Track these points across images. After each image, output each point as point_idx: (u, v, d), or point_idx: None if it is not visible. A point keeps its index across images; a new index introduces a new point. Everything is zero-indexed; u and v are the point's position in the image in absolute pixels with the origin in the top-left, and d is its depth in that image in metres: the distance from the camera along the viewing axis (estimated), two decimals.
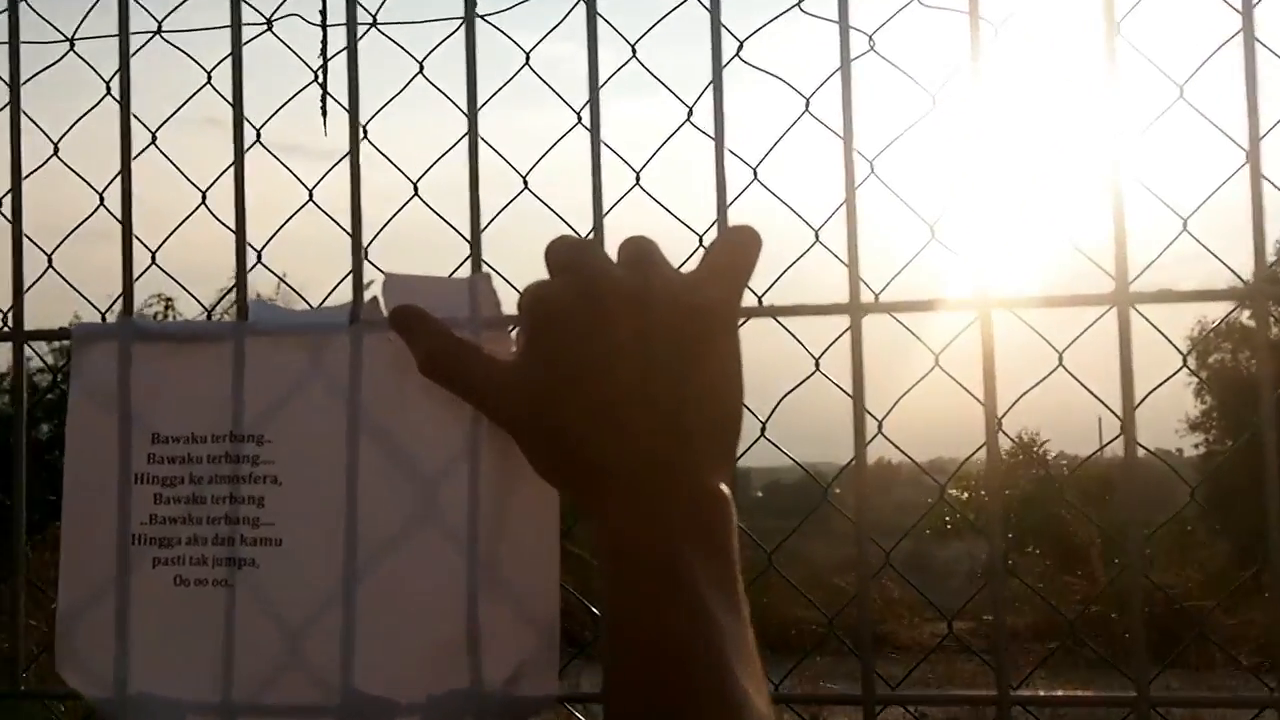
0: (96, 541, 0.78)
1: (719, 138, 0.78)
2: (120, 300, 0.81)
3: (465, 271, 0.79)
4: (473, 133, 0.79)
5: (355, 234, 0.79)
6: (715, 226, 0.78)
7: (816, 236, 1.10)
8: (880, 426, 1.11)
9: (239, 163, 0.82)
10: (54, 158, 0.98)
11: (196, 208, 1.00)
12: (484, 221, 0.81)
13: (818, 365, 1.07)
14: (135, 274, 0.83)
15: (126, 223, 0.81)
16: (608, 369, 0.67)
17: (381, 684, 0.75)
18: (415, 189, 1.01)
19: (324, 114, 1.19)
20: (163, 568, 0.78)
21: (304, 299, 0.84)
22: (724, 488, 0.67)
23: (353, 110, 0.79)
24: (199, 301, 1.00)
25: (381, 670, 0.75)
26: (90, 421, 0.78)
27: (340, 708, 0.75)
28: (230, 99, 0.81)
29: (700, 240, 1.05)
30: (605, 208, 0.80)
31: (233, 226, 0.82)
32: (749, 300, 0.80)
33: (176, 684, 0.77)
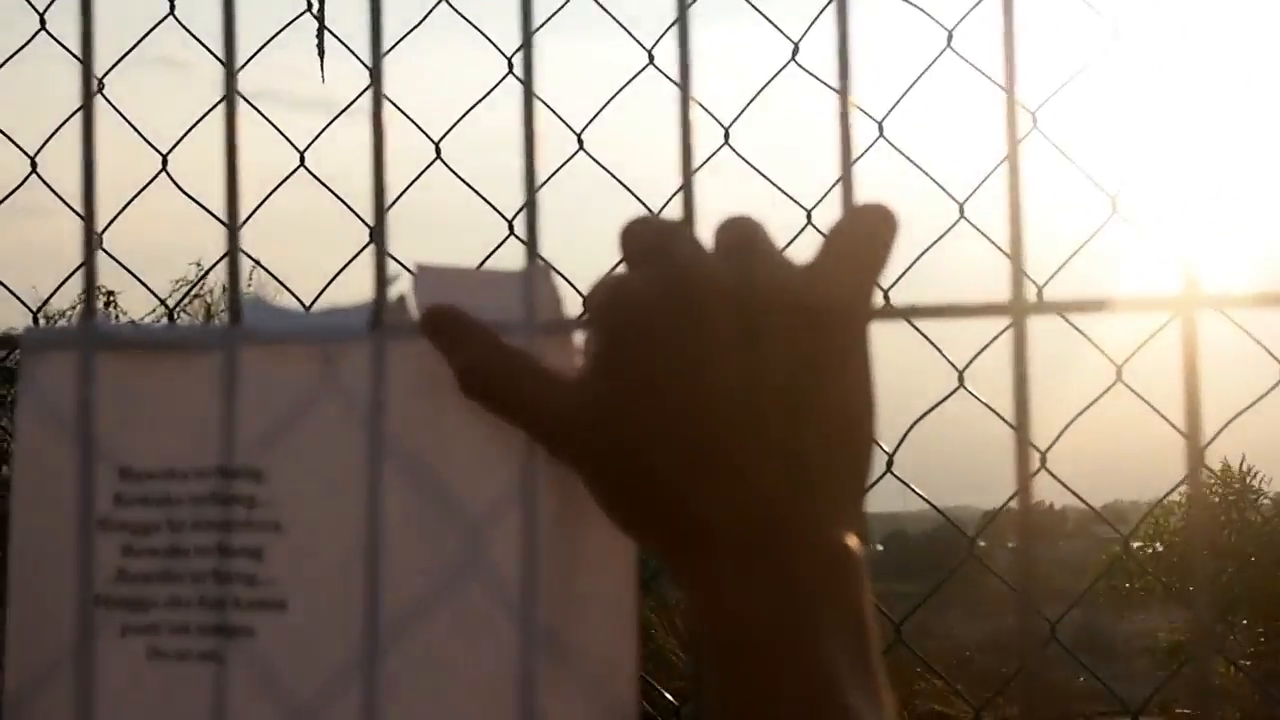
0: (52, 604, 0.81)
1: (843, 83, 0.80)
2: (66, 292, 0.84)
3: (513, 262, 0.81)
4: (528, 73, 0.81)
5: (378, 210, 0.82)
6: (835, 203, 0.80)
7: (961, 212, 1.12)
8: (1044, 460, 1.13)
9: (230, 115, 0.84)
10: None
11: (156, 175, 1.03)
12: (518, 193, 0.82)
13: (961, 380, 1.10)
14: (78, 259, 0.86)
15: (89, 189, 0.84)
16: (702, 389, 0.69)
17: None
18: (437, 150, 1.04)
19: (320, 52, 1.22)
20: (135, 637, 0.80)
21: (292, 294, 0.87)
22: (854, 542, 0.70)
23: (375, 43, 0.81)
24: (156, 296, 1.04)
25: None
26: (43, 453, 0.81)
27: None
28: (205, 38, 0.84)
29: (809, 218, 1.08)
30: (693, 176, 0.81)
31: (199, 199, 0.85)
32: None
33: None
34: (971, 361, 1.05)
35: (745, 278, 0.71)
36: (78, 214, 0.84)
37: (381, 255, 0.82)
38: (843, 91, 0.79)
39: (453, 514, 0.78)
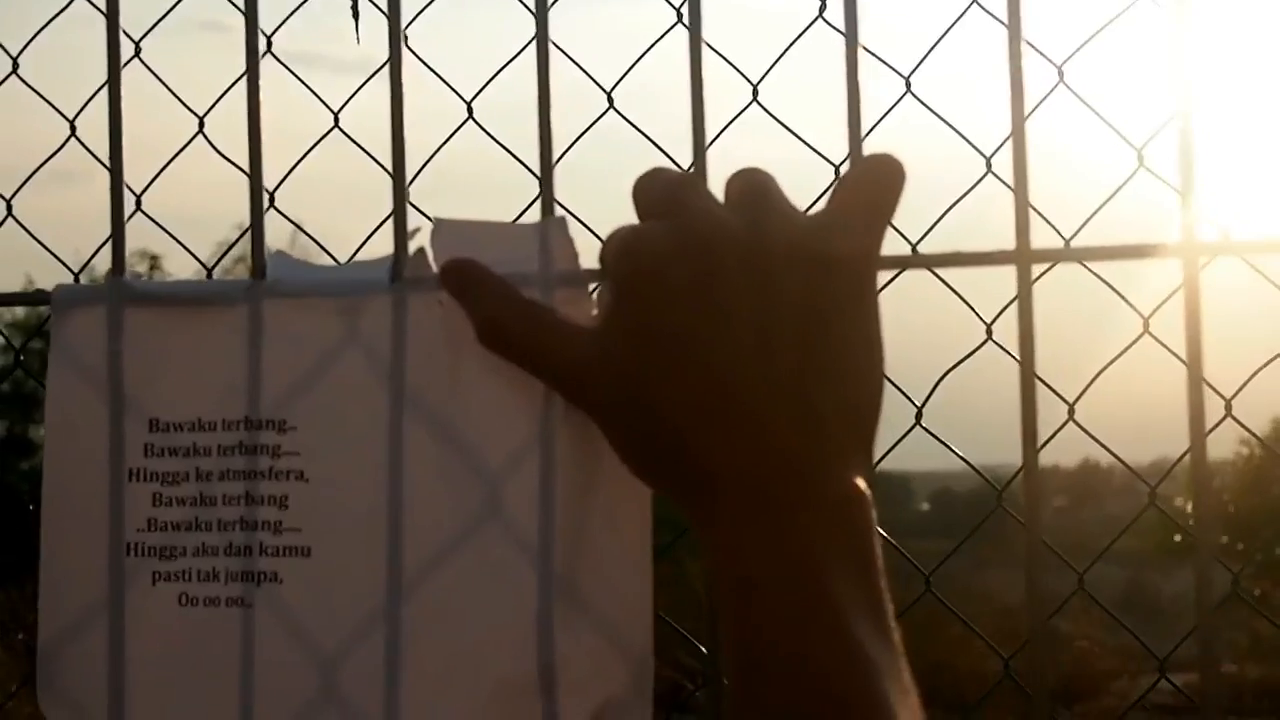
0: (84, 554, 0.84)
1: (851, 35, 0.82)
2: (110, 252, 0.87)
3: (534, 216, 0.83)
4: (542, 32, 0.83)
5: (397, 166, 0.84)
6: (850, 156, 0.81)
7: (988, 165, 1.13)
8: (1071, 412, 1.14)
9: (253, 75, 0.87)
10: (13, 76, 1.04)
11: (193, 138, 1.06)
12: (557, 151, 0.85)
13: (989, 334, 1.11)
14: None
15: (116, 153, 0.87)
16: (714, 338, 0.71)
17: None
18: (469, 110, 1.06)
19: (355, 14, 1.24)
20: (165, 584, 0.83)
21: (328, 252, 0.90)
22: (863, 486, 0.72)
23: (393, 6, 0.84)
24: (195, 257, 1.06)
25: (434, 710, 0.80)
26: (74, 405, 0.84)
27: None
28: None
29: (837, 171, 1.09)
30: (712, 132, 0.83)
31: (238, 161, 0.88)
32: (899, 248, 0.83)
33: None
34: (1000, 314, 1.06)
35: (755, 228, 0.72)
36: (106, 165, 0.87)
37: (401, 209, 0.85)
38: (850, 47, 0.81)
39: (472, 462, 0.81)
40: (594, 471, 0.80)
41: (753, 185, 0.75)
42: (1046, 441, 1.01)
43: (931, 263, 0.83)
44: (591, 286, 0.81)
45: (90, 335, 0.84)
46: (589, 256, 0.80)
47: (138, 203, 1.03)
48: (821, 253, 0.72)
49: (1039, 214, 0.91)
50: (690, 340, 0.71)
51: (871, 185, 0.76)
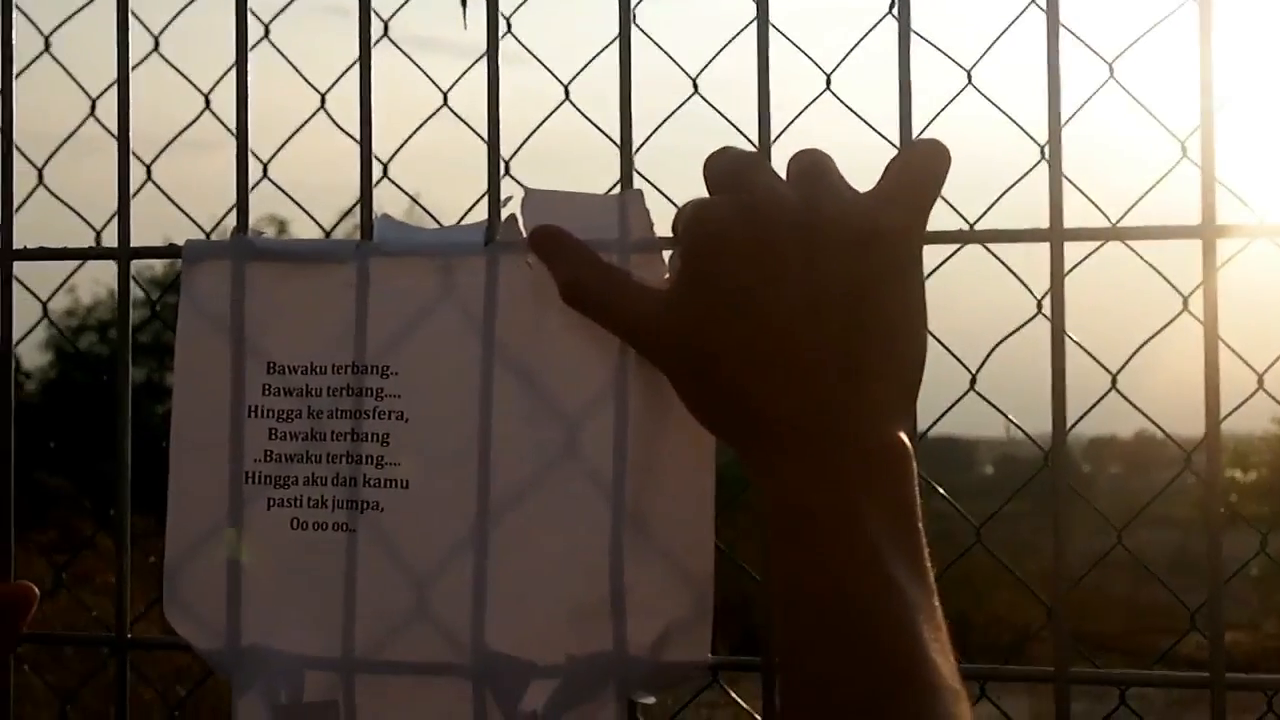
0: (207, 479, 0.92)
1: (904, 33, 0.89)
2: (234, 215, 0.96)
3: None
4: (625, 25, 0.91)
5: (492, 141, 0.92)
6: (901, 139, 0.89)
7: (1043, 153, 1.20)
8: (1114, 382, 1.20)
9: (365, 56, 0.95)
10: (154, 54, 1.13)
11: (315, 113, 1.14)
12: (640, 132, 0.92)
13: (1040, 308, 1.18)
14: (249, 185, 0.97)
15: (241, 124, 0.96)
16: (771, 300, 0.77)
17: (516, 643, 0.88)
18: (566, 92, 1.13)
19: (464, 1, 1.31)
20: (279, 509, 0.92)
21: (438, 221, 0.97)
22: (904, 439, 0.78)
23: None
24: (317, 223, 1.14)
25: (516, 628, 0.88)
26: (201, 346, 0.92)
27: (471, 667, 0.89)
28: None
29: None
30: (789, 116, 0.92)
31: (355, 134, 0.96)
32: (951, 224, 0.91)
33: (293, 636, 0.91)
34: (1049, 291, 1.12)
35: (810, 202, 0.78)
36: (231, 132, 0.95)
37: (495, 179, 0.92)
38: (903, 42, 0.89)
39: (553, 407, 0.88)
40: (662, 417, 0.87)
41: (810, 164, 0.81)
42: (1086, 411, 1.08)
43: (973, 239, 0.90)
44: (665, 252, 0.87)
45: (216, 286, 0.92)
46: (664, 225, 0.87)
47: (264, 170, 1.12)
48: (867, 228, 0.78)
49: (1086, 196, 0.98)
50: (748, 299, 0.77)
51: (918, 167, 0.82)
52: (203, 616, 0.93)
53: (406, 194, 1.17)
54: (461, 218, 0.96)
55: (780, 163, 0.84)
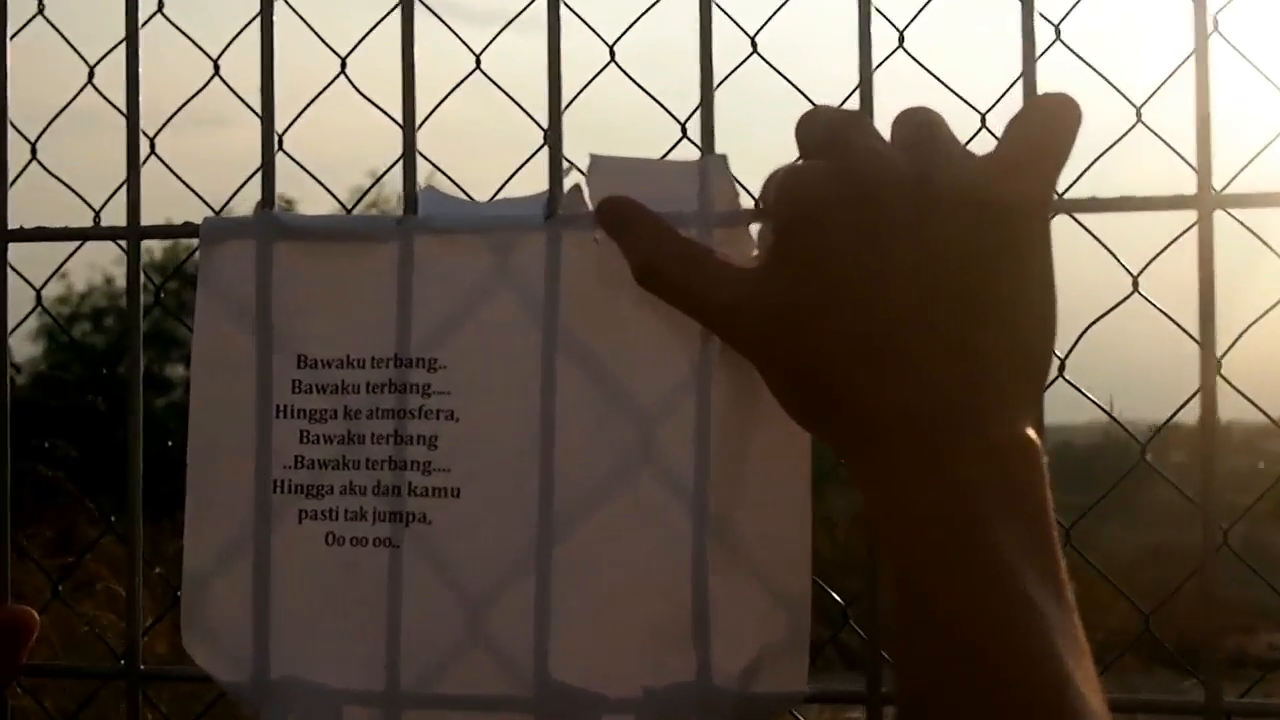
0: (230, 488, 0.84)
1: None
2: (260, 187, 0.87)
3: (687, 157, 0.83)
4: None
5: (553, 97, 0.84)
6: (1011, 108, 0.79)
7: (1138, 115, 1.11)
8: (1218, 367, 1.12)
9: (407, 8, 0.87)
10: (158, 14, 1.04)
11: (335, 77, 1.06)
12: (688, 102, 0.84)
13: (1136, 285, 1.09)
14: (258, 163, 0.89)
15: (267, 87, 0.88)
16: (878, 279, 0.70)
17: (584, 673, 0.81)
18: (611, 53, 1.06)
19: None
20: (311, 522, 0.84)
21: (465, 193, 0.89)
22: (1032, 434, 0.71)
23: None
24: (335, 198, 1.06)
25: (585, 656, 0.81)
26: (222, 338, 0.85)
27: (533, 701, 0.81)
28: None
29: (983, 120, 1.08)
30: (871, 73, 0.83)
31: (377, 102, 0.88)
32: None
33: (329, 667, 0.83)
34: (1149, 264, 1.04)
35: (923, 169, 0.71)
36: (254, 111, 0.87)
37: (557, 144, 0.84)
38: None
39: (625, 403, 0.81)
40: (750, 414, 0.80)
41: (921, 125, 0.74)
42: (1186, 401, 1.00)
43: (1104, 207, 0.82)
44: (752, 226, 0.80)
45: (239, 268, 0.85)
46: (749, 197, 0.80)
47: (279, 142, 1.03)
48: (989, 196, 0.71)
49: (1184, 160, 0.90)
50: (850, 281, 0.70)
51: (1044, 126, 0.74)
52: (226, 644, 0.85)
53: (431, 163, 1.06)
54: (498, 191, 0.87)
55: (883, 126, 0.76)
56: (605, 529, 0.81)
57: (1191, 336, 0.87)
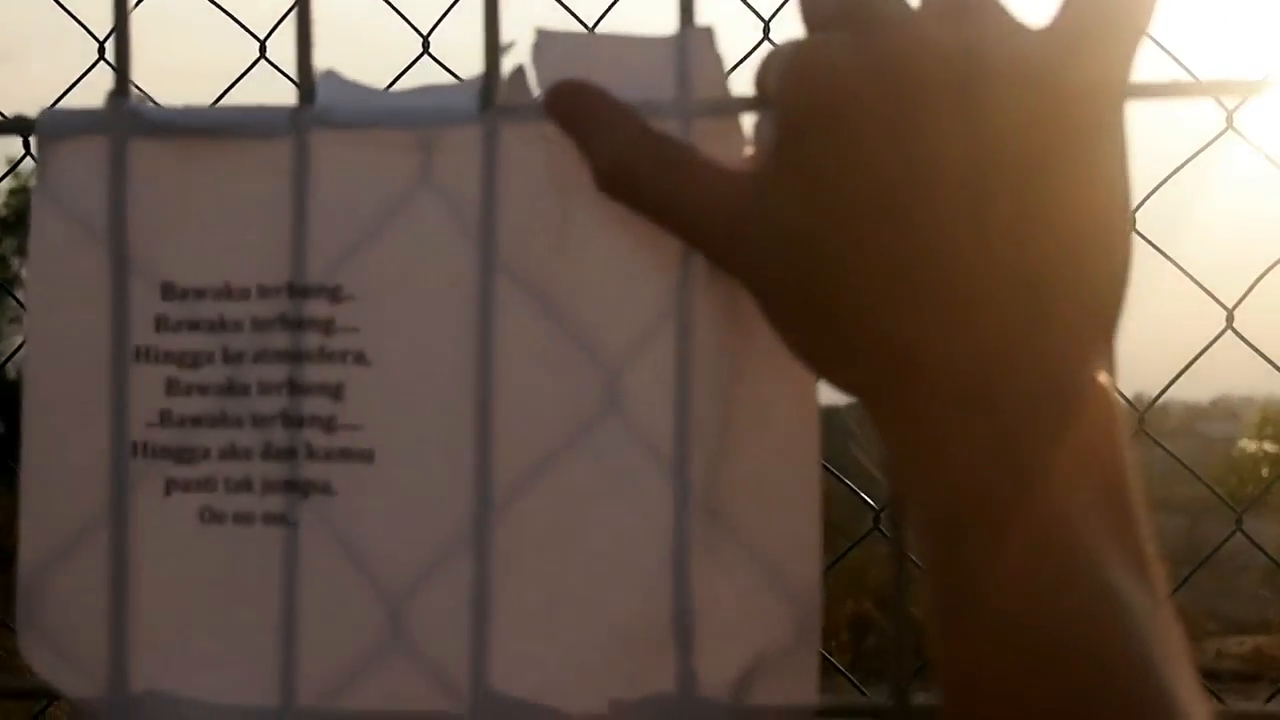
0: (78, 455, 0.73)
1: None
2: (113, 74, 0.73)
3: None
4: None
5: None
6: None
7: None
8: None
9: None
10: None
11: None
12: None
13: (1230, 321, 0.99)
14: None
15: None
16: (919, 190, 0.59)
17: (534, 684, 0.70)
18: None
19: None
20: (181, 495, 0.72)
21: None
22: (1106, 383, 0.60)
23: None
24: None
25: (535, 661, 0.70)
26: (65, 263, 0.73)
27: (470, 718, 0.70)
28: None
29: None
30: None
31: None
32: None
33: (206, 678, 0.72)
34: (1244, 298, 0.94)
35: (968, 44, 0.60)
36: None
37: (494, 14, 0.72)
38: None
39: (585, 342, 0.70)
40: (744, 357, 0.69)
41: None
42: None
43: (1191, 91, 0.72)
44: (744, 119, 0.69)
45: (86, 174, 0.72)
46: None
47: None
48: (1055, 80, 0.60)
49: None
50: (885, 191, 0.60)
51: None
52: (74, 650, 0.73)
53: (282, 72, 0.93)
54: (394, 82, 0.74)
55: None
56: (559, 501, 0.70)
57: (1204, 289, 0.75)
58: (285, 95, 0.74)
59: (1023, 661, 0.56)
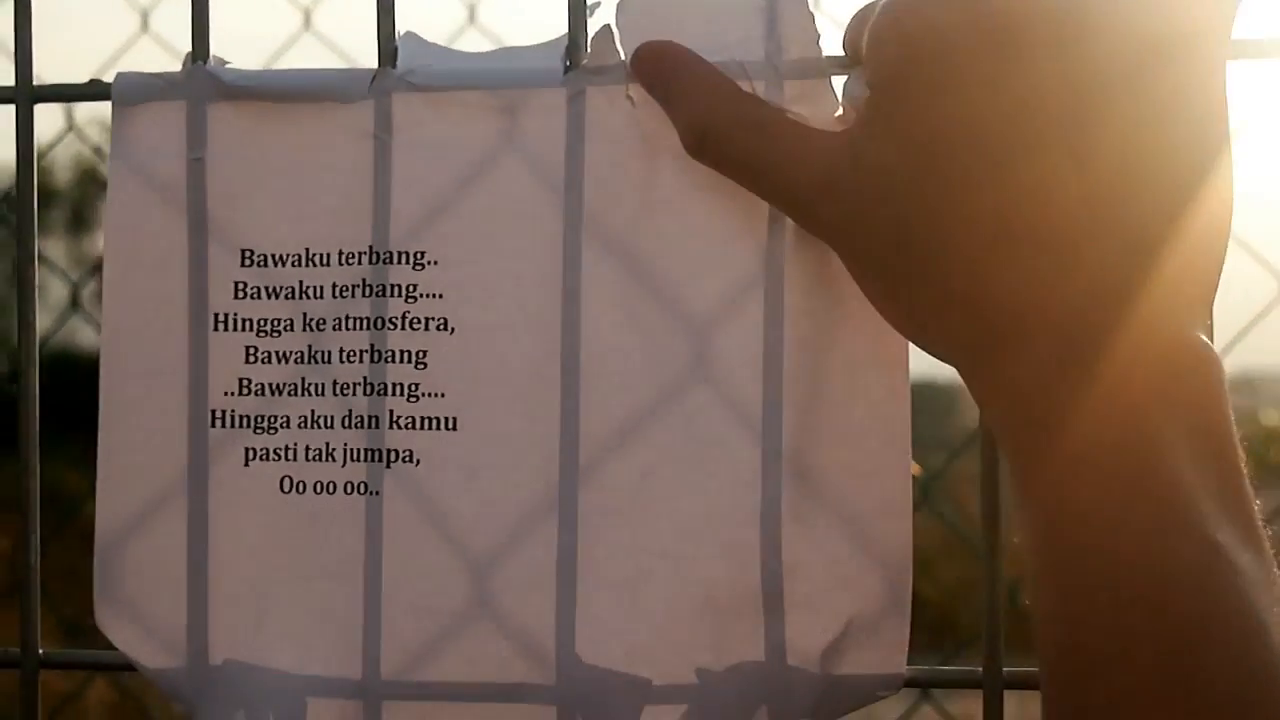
0: (155, 421, 0.72)
1: None
2: (190, 38, 0.73)
3: None
4: None
5: None
6: None
7: None
8: None
9: None
10: None
11: None
12: None
13: None
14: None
15: None
16: (1021, 144, 0.58)
17: (621, 653, 0.69)
18: None
19: None
20: (261, 464, 0.72)
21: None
22: (1208, 343, 0.59)
23: None
24: None
25: (621, 631, 0.69)
26: (143, 228, 0.72)
27: (556, 690, 0.69)
28: None
29: None
30: None
31: None
32: None
33: (288, 649, 0.72)
34: None
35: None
36: None
37: None
38: None
39: (673, 307, 0.69)
40: (833, 321, 0.69)
41: None
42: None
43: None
44: (836, 80, 0.68)
45: (164, 139, 0.72)
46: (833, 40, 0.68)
47: None
48: (1155, 28, 0.59)
49: None
50: (985, 140, 0.59)
51: None
52: (153, 622, 0.72)
53: None
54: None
55: None
56: (646, 468, 0.69)
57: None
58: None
59: (1129, 617, 0.56)
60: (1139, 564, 0.56)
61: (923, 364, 0.73)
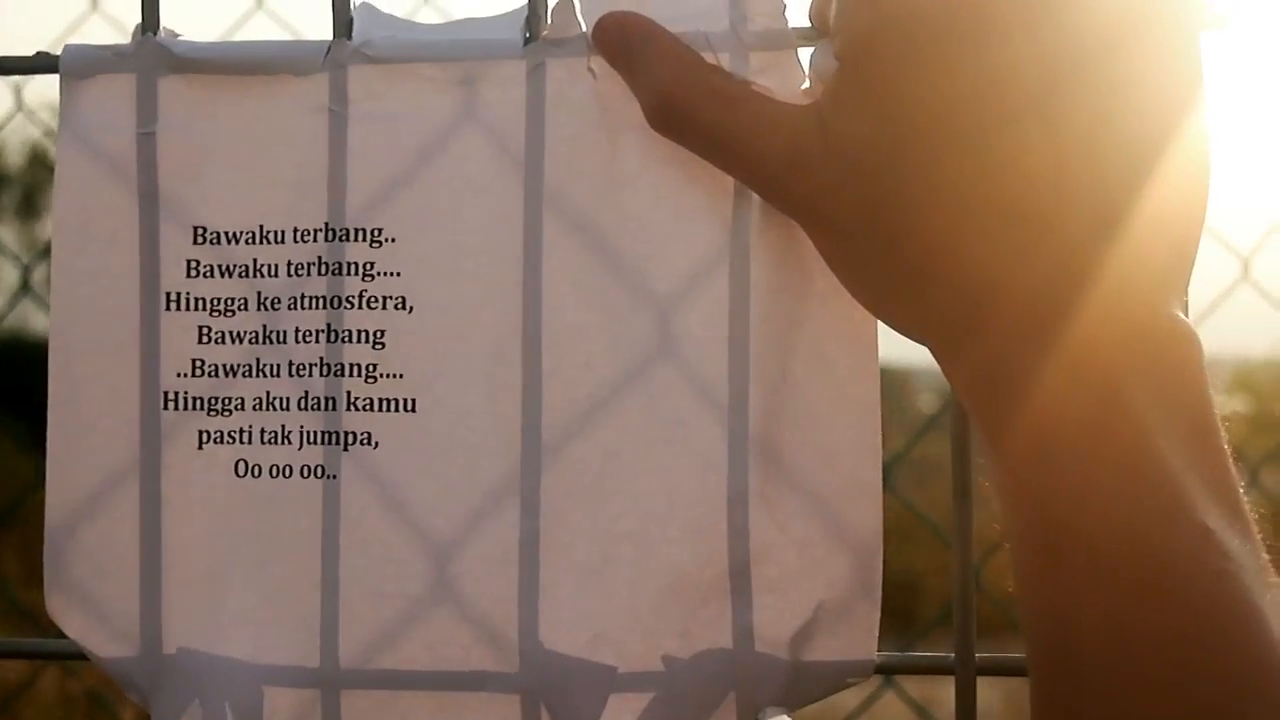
0: (106, 406, 0.71)
1: None
2: (140, 8, 0.71)
3: None
4: None
5: None
6: None
7: None
8: None
9: None
10: None
11: None
12: None
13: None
14: None
15: None
16: (994, 115, 0.57)
17: (585, 640, 0.68)
18: None
19: None
20: (215, 446, 0.70)
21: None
22: (1187, 321, 0.59)
23: None
24: None
25: (586, 618, 0.68)
26: (92, 204, 0.71)
27: (520, 677, 0.68)
28: None
29: None
30: None
31: None
32: None
33: (244, 636, 0.70)
34: None
35: None
36: None
37: None
38: None
39: (636, 284, 0.68)
40: (801, 298, 0.68)
41: None
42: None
43: None
44: (802, 51, 0.67)
45: (113, 112, 0.70)
46: (798, 10, 0.67)
47: None
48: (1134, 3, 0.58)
49: None
50: (954, 109, 0.58)
51: None
52: (105, 609, 0.71)
53: None
54: None
55: None
56: (610, 449, 0.68)
57: None
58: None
59: (1123, 600, 0.55)
60: (1132, 545, 0.55)
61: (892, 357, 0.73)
